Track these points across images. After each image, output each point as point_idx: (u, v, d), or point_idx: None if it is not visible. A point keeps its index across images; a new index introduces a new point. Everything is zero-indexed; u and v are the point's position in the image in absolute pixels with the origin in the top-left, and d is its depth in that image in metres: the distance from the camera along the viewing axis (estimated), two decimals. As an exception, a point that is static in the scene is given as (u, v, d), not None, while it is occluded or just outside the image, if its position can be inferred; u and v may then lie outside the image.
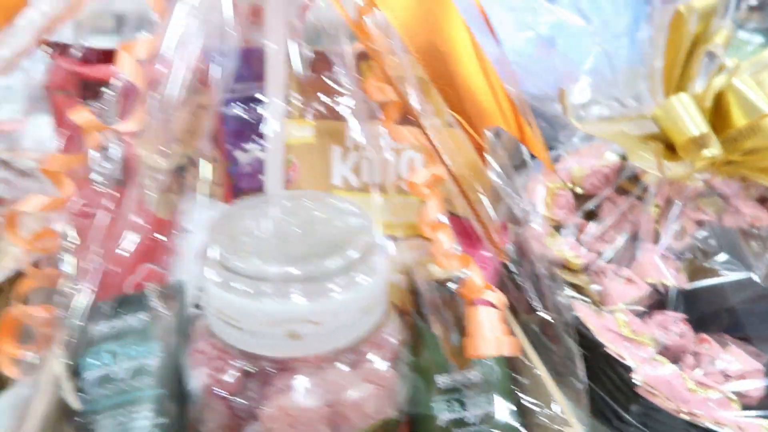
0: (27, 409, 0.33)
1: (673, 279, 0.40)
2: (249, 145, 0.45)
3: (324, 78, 0.39)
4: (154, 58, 0.30)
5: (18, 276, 0.43)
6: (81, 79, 0.34)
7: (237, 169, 0.44)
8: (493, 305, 0.30)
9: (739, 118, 0.46)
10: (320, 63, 0.39)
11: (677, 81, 0.48)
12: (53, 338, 0.34)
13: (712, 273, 0.38)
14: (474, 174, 0.31)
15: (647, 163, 0.40)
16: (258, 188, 0.45)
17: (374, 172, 0.43)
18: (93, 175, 0.32)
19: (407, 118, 0.31)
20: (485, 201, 0.32)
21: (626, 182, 0.46)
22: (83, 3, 0.33)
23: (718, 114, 0.47)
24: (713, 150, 0.43)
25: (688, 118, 0.44)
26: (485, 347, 0.29)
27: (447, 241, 0.30)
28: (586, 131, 0.42)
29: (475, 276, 0.30)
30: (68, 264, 0.35)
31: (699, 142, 0.43)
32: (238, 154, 0.45)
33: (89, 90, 0.35)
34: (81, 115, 0.29)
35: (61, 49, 0.34)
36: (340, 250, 0.28)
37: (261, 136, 0.45)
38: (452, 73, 0.30)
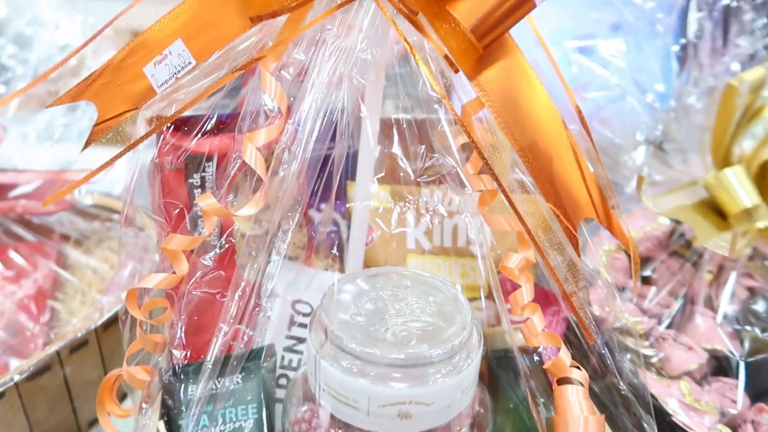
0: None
1: (730, 345, 0.42)
2: (323, 205, 0.48)
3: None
4: (272, 144, 0.33)
5: (105, 326, 0.46)
6: (185, 153, 0.37)
7: (313, 228, 0.46)
8: (579, 382, 0.32)
9: (785, 187, 0.48)
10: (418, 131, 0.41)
11: (726, 147, 0.51)
12: (153, 399, 0.36)
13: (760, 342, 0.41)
14: (567, 258, 0.33)
15: (721, 247, 0.43)
16: (332, 246, 0.47)
17: (444, 236, 0.45)
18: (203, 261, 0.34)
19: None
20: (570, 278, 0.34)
21: (679, 247, 0.49)
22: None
23: (764, 180, 0.50)
24: (764, 221, 0.46)
25: (742, 190, 0.47)
26: (574, 426, 0.31)
27: (539, 322, 0.33)
28: (656, 210, 0.45)
29: (564, 355, 0.32)
30: (169, 330, 0.37)
31: (751, 214, 0.46)
32: (313, 213, 0.47)
33: (196, 165, 0.38)
34: (205, 199, 0.31)
35: (174, 128, 0.37)
36: (448, 339, 0.30)
37: (338, 196, 0.47)
38: (551, 169, 0.32)
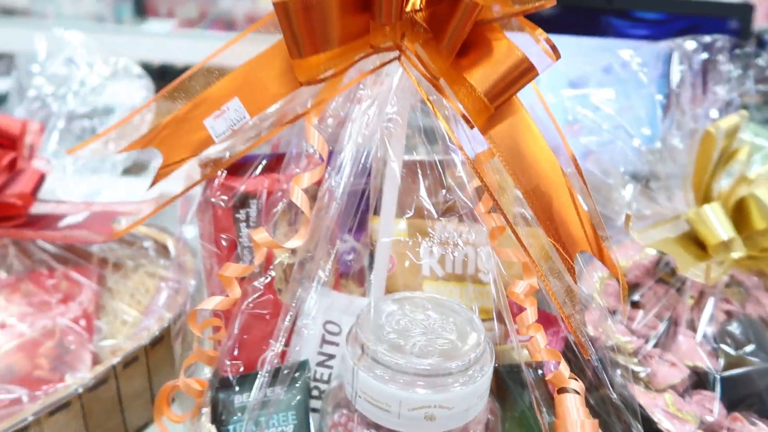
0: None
1: (708, 362, 0.48)
2: (347, 236, 0.53)
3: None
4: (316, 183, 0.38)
5: (152, 343, 0.51)
6: (235, 191, 0.42)
7: (338, 256, 0.51)
8: (576, 392, 0.38)
9: (758, 221, 0.54)
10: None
11: (706, 185, 0.57)
12: (205, 406, 0.42)
13: (743, 362, 0.46)
14: (565, 285, 0.39)
15: (700, 275, 0.49)
16: (355, 273, 0.53)
17: (456, 264, 0.51)
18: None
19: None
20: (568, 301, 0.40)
21: (665, 274, 0.54)
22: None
23: (740, 215, 0.56)
24: (739, 252, 0.52)
25: (719, 224, 0.53)
26: (573, 428, 0.36)
27: (542, 340, 0.38)
28: (643, 243, 0.51)
29: (563, 368, 0.38)
30: (220, 346, 0.42)
31: (727, 245, 0.52)
32: (339, 244, 0.53)
33: (240, 201, 0.43)
34: (259, 233, 0.37)
35: (220, 167, 0.42)
36: (465, 353, 0.36)
37: (360, 228, 0.53)
38: (551, 209, 0.38)
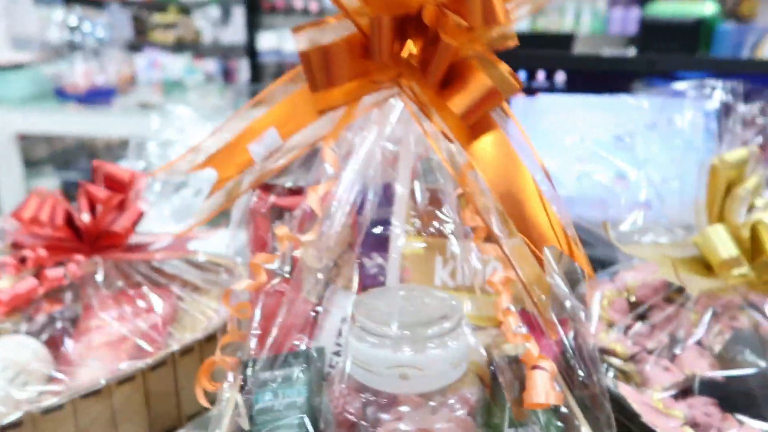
0: (216, 427, 0.47)
1: (708, 372, 0.49)
2: (374, 254, 0.61)
3: (434, 207, 0.55)
4: (328, 195, 0.48)
5: (206, 339, 0.60)
6: (275, 207, 0.53)
7: (365, 270, 0.59)
8: (545, 369, 0.42)
9: (769, 247, 0.56)
10: (433, 197, 0.55)
11: (718, 214, 0.60)
12: (236, 379, 0.50)
13: (735, 364, 0.47)
14: (537, 280, 0.44)
15: (707, 293, 0.52)
16: (376, 285, 0.60)
17: (466, 277, 0.57)
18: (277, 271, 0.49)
19: (490, 238, 0.46)
20: (544, 299, 0.45)
21: (673, 293, 0.57)
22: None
23: (755, 242, 0.58)
24: (742, 270, 0.54)
25: (721, 244, 0.55)
26: (537, 398, 0.40)
27: (514, 323, 0.43)
28: (626, 252, 0.55)
29: (533, 348, 0.43)
30: (252, 330, 0.51)
31: (730, 264, 0.54)
32: (366, 261, 0.61)
33: (277, 214, 0.53)
34: (281, 229, 0.46)
35: (263, 187, 0.53)
36: (438, 322, 0.42)
37: (384, 248, 0.61)
38: (523, 210, 0.44)
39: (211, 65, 5.13)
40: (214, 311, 0.74)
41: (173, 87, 4.73)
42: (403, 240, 0.53)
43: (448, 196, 0.51)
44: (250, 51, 4.99)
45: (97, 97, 2.44)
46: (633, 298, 0.57)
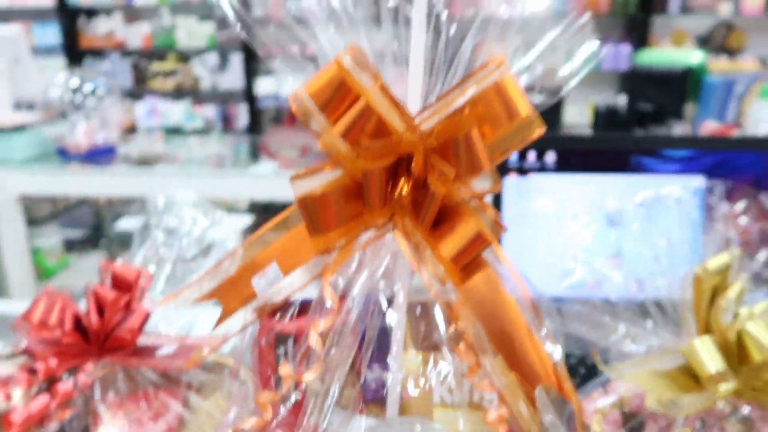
0: None
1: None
2: (375, 365, 0.63)
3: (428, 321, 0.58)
4: (328, 331, 0.50)
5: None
6: (277, 332, 0.55)
7: (365, 384, 0.61)
8: None
9: (756, 355, 0.58)
10: (425, 311, 0.58)
11: (704, 324, 0.62)
12: None
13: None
14: (531, 417, 0.46)
15: (655, 405, 0.54)
16: (377, 399, 0.62)
17: (464, 392, 0.59)
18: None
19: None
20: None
21: (663, 405, 0.59)
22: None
23: (741, 348, 0.60)
24: (729, 385, 0.56)
25: (708, 358, 0.57)
26: None
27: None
28: (614, 377, 0.57)
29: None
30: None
31: (717, 379, 0.56)
32: (367, 374, 0.63)
33: (283, 339, 0.56)
34: (284, 369, 0.49)
35: (267, 313, 0.55)
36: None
37: (384, 359, 0.63)
38: (515, 348, 0.47)
39: (210, 111, 5.23)
40: (221, 413, 0.75)
41: (173, 134, 4.81)
42: (401, 375, 0.55)
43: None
44: (249, 96, 5.09)
45: (98, 155, 2.49)
46: (626, 410, 0.59)
